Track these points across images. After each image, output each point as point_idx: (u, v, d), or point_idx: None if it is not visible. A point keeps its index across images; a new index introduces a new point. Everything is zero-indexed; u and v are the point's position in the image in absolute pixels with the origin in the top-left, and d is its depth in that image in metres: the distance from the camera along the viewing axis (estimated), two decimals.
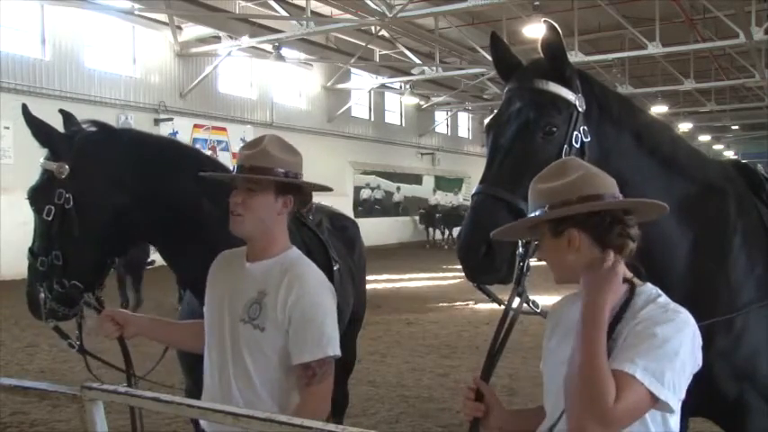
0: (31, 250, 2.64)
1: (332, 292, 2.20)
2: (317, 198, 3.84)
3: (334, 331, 2.13)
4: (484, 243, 2.13)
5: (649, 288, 1.69)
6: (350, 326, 3.87)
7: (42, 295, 2.59)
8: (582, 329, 1.56)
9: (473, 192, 2.29)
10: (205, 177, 2.42)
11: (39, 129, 2.62)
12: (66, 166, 2.55)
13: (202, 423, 2.20)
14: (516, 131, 2.26)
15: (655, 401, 1.51)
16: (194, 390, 2.78)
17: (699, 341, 1.60)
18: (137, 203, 2.63)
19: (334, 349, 2.10)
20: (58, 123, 2.71)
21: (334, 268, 3.25)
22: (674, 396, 1.52)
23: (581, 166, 1.74)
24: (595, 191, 1.67)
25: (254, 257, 2.22)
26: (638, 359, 1.50)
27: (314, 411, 2.00)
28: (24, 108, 2.63)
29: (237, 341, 2.14)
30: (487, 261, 2.13)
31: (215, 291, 2.30)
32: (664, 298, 1.65)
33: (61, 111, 2.78)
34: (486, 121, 2.48)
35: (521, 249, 2.14)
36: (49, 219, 2.55)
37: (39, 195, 2.60)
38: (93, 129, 2.71)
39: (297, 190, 2.23)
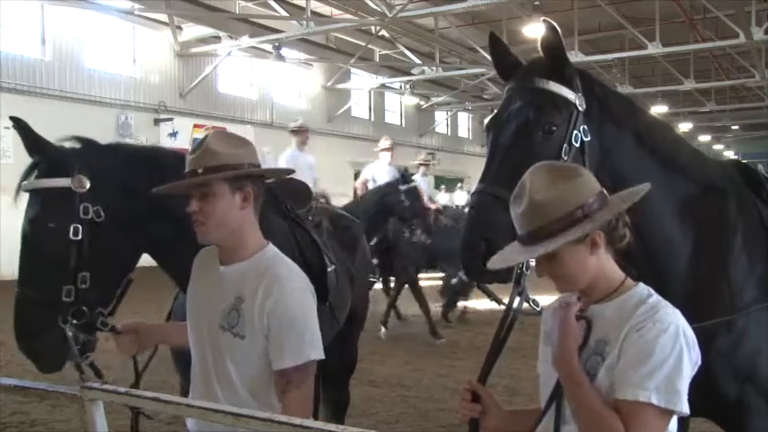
0: (42, 286, 2.30)
1: (311, 292, 2.12)
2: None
3: (315, 334, 2.05)
4: (483, 242, 2.13)
5: (641, 289, 1.69)
6: (350, 326, 3.86)
7: (70, 333, 2.29)
8: (564, 387, 1.61)
9: (473, 191, 2.29)
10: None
11: (39, 143, 2.42)
12: (86, 179, 2.36)
13: (188, 423, 2.13)
14: (516, 130, 2.26)
15: (672, 413, 1.54)
16: (189, 388, 2.74)
17: (693, 339, 1.60)
18: (147, 213, 2.51)
19: (316, 353, 2.03)
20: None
21: (329, 269, 3.21)
22: (686, 400, 1.54)
23: (568, 167, 1.73)
24: (599, 188, 1.67)
25: (227, 260, 2.11)
26: (647, 383, 1.51)
27: (295, 416, 1.89)
28: (18, 122, 2.42)
29: (219, 349, 2.06)
30: (487, 260, 2.12)
31: (192, 296, 2.22)
32: (654, 298, 1.65)
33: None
34: (487, 120, 2.48)
35: None
36: (78, 237, 2.32)
37: (56, 216, 2.33)
38: (78, 144, 2.50)
39: (255, 179, 2.11)
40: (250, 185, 2.07)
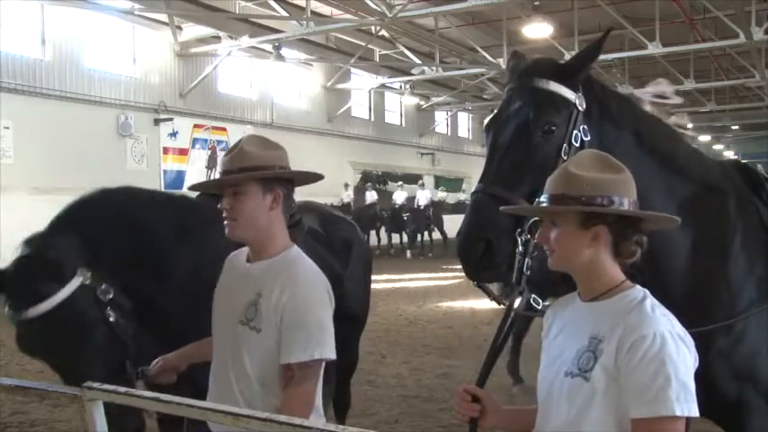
0: (109, 373, 2.37)
1: (328, 293, 2.17)
2: (319, 198, 3.84)
3: (325, 334, 2.08)
4: (483, 241, 2.13)
5: (637, 291, 1.69)
6: (349, 327, 3.84)
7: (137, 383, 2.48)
8: None
9: (472, 190, 2.30)
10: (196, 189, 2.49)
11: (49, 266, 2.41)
12: (85, 269, 2.45)
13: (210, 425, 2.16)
14: (515, 130, 2.26)
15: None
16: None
17: (690, 340, 1.61)
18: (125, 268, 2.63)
19: (324, 352, 2.06)
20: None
21: None
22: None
23: (618, 164, 1.74)
24: (634, 196, 1.69)
25: (254, 258, 2.22)
26: (668, 393, 1.51)
27: (291, 413, 1.88)
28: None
29: (237, 343, 2.14)
30: (487, 259, 2.13)
31: (219, 294, 2.31)
32: (649, 301, 1.65)
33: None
34: (486, 120, 2.48)
35: (520, 248, 2.14)
36: (113, 319, 2.48)
37: (89, 312, 2.43)
38: (27, 250, 2.46)
39: (286, 182, 2.20)
40: (280, 187, 2.16)
